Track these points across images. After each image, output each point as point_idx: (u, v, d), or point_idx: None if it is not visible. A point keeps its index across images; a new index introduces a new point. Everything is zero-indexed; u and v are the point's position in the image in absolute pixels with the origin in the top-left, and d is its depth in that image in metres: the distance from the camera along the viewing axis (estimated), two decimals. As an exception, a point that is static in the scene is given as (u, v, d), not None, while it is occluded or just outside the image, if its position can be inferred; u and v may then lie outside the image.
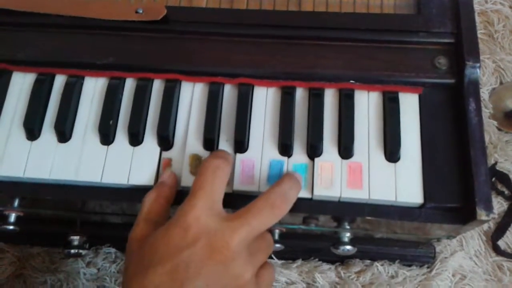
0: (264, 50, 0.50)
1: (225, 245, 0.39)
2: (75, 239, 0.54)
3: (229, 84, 0.50)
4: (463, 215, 0.45)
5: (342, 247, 0.49)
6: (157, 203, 0.44)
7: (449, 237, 0.54)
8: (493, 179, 0.64)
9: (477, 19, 0.73)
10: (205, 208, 0.40)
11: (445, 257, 0.61)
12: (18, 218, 0.51)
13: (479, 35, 0.70)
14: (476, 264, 0.62)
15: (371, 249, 0.60)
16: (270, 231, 0.48)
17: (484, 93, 0.69)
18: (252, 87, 0.50)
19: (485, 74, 0.70)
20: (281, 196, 0.42)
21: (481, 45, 0.71)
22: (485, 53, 0.71)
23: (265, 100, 0.49)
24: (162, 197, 0.44)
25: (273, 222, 0.41)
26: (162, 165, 0.47)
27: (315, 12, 0.52)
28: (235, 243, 0.39)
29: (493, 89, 0.69)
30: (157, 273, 0.38)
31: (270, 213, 0.41)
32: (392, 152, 0.46)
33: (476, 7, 0.73)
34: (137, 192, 0.46)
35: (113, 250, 0.62)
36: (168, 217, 0.44)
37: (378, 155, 0.46)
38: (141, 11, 0.50)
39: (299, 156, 0.47)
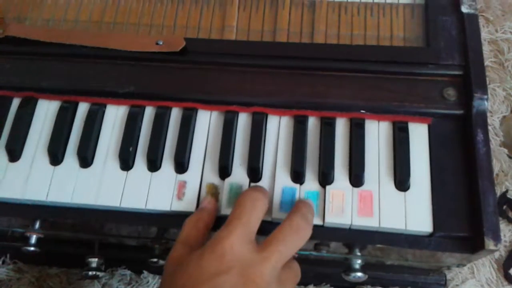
0: (277, 80, 0.51)
1: (259, 274, 0.39)
2: (93, 261, 0.55)
3: (243, 113, 0.51)
4: (471, 244, 0.45)
5: (353, 274, 0.50)
6: (195, 228, 0.45)
7: (459, 265, 0.54)
8: (504, 207, 0.64)
9: (488, 47, 0.74)
10: (240, 237, 0.41)
11: (456, 285, 0.61)
12: (39, 239, 0.53)
13: (489, 64, 0.72)
14: (487, 292, 0.62)
15: (382, 276, 0.60)
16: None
17: (495, 121, 0.69)
18: (265, 116, 0.51)
19: (496, 102, 0.71)
20: (304, 219, 0.43)
21: (491, 74, 0.72)
22: (495, 81, 0.72)
23: (278, 128, 0.50)
24: (201, 222, 0.45)
25: (300, 246, 0.42)
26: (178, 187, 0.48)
27: (327, 45, 0.53)
28: (266, 272, 0.40)
29: (504, 117, 0.70)
30: None
31: (296, 237, 0.42)
32: (402, 181, 0.47)
33: (486, 36, 0.74)
34: (154, 217, 0.48)
35: (128, 272, 0.63)
36: (205, 242, 0.45)
37: (388, 183, 0.47)
38: (161, 43, 0.52)
39: (311, 183, 0.48)
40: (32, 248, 0.53)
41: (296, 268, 0.45)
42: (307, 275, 0.61)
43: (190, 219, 0.45)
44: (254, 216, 0.43)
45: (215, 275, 0.39)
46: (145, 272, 0.63)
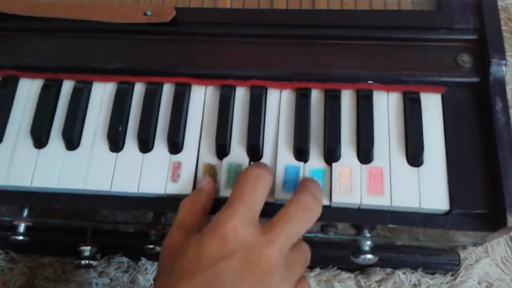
0: (277, 51, 0.48)
1: (264, 258, 0.37)
2: (86, 249, 0.52)
3: (241, 87, 0.48)
4: (492, 221, 0.43)
5: (362, 256, 0.48)
6: (193, 211, 0.42)
7: (475, 244, 0.51)
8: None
9: (498, 15, 0.70)
10: (243, 219, 0.38)
11: (470, 264, 0.59)
12: (28, 228, 0.51)
13: (500, 32, 0.69)
14: (503, 271, 0.60)
15: (392, 257, 0.58)
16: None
17: (507, 92, 0.66)
18: (265, 90, 0.48)
19: (508, 73, 0.68)
20: (312, 197, 0.40)
21: (503, 42, 0.69)
22: (508, 50, 0.68)
23: (279, 103, 0.48)
24: (199, 204, 0.43)
25: (308, 226, 0.40)
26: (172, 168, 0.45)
27: (329, 10, 0.50)
28: (273, 256, 0.37)
29: (517, 88, 0.67)
30: (189, 285, 0.36)
31: (305, 217, 0.39)
32: (414, 155, 0.44)
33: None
34: (148, 201, 0.45)
35: (125, 259, 0.61)
36: (204, 225, 0.42)
37: (399, 159, 0.45)
38: (149, 13, 0.49)
39: (315, 161, 0.45)
40: (20, 237, 0.51)
41: (306, 249, 0.42)
42: (313, 258, 0.57)
43: (185, 202, 0.43)
44: (257, 196, 0.40)
45: (217, 261, 0.37)
46: (143, 259, 0.61)
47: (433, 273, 0.59)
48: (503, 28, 0.70)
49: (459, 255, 0.58)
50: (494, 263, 0.60)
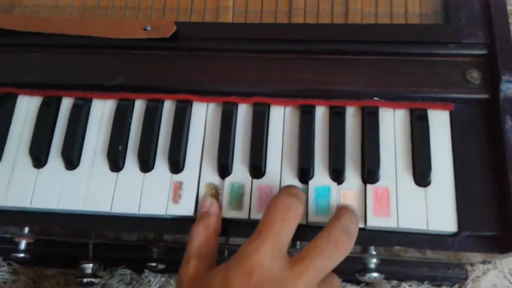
0: (280, 67, 0.47)
1: None
2: (87, 267, 0.52)
3: (243, 104, 0.47)
4: (501, 243, 0.41)
5: (368, 275, 0.47)
6: (206, 237, 0.41)
7: (483, 262, 0.50)
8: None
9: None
10: (271, 251, 0.37)
11: (478, 276, 0.58)
12: (29, 244, 0.50)
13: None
14: (511, 283, 0.59)
15: (398, 270, 0.58)
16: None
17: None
18: (268, 107, 0.47)
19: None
20: (344, 231, 0.39)
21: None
22: (517, 56, 0.67)
23: (282, 120, 0.47)
24: (210, 229, 0.42)
25: (338, 261, 0.38)
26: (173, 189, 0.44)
27: (334, 24, 0.49)
28: None
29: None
30: None
31: (335, 251, 0.38)
32: (422, 175, 0.43)
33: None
34: (149, 221, 0.44)
35: (128, 271, 0.61)
36: (218, 249, 0.42)
37: (406, 179, 0.43)
38: (149, 28, 0.48)
39: (321, 178, 0.44)
40: (22, 255, 0.51)
41: (336, 283, 0.41)
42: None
43: (197, 228, 0.42)
44: (286, 227, 0.38)
45: None
46: (146, 271, 0.60)
47: (439, 286, 0.58)
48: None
49: (466, 270, 0.58)
50: (502, 275, 0.59)
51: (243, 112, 0.47)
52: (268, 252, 0.37)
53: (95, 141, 0.47)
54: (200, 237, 0.41)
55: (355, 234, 0.40)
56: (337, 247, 0.38)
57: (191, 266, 0.40)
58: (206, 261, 0.40)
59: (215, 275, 0.37)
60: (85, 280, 0.52)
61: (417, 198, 0.43)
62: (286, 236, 0.38)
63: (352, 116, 0.46)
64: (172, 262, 0.53)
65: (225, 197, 0.44)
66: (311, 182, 0.44)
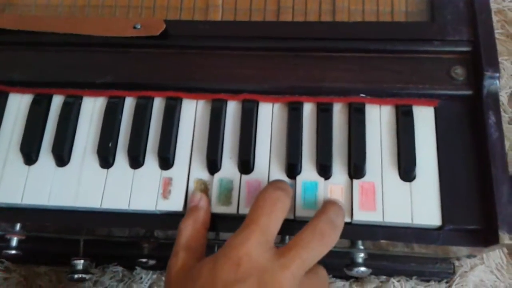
0: (268, 64, 0.48)
1: (277, 283, 0.36)
2: (78, 263, 0.52)
3: (232, 101, 0.48)
4: (484, 237, 0.42)
5: (356, 269, 0.47)
6: (195, 230, 0.42)
7: (469, 256, 0.51)
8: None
9: (494, 18, 0.69)
10: (258, 243, 0.38)
11: (465, 271, 0.59)
12: (20, 241, 0.50)
13: (496, 35, 0.67)
14: (498, 278, 0.59)
15: (387, 266, 0.58)
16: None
17: (503, 97, 0.66)
18: (256, 103, 0.47)
19: (504, 77, 0.67)
20: (329, 224, 0.39)
21: (498, 46, 0.67)
22: (503, 54, 0.68)
23: (270, 117, 0.47)
24: (199, 222, 0.42)
25: (324, 253, 0.39)
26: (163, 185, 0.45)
27: (321, 22, 0.50)
28: (287, 281, 0.37)
29: (512, 92, 0.66)
30: None
31: (320, 243, 0.38)
32: (407, 170, 0.44)
33: (493, 6, 0.69)
34: (139, 217, 0.45)
35: (120, 268, 0.61)
36: (206, 243, 0.42)
37: (391, 174, 0.44)
38: (139, 27, 0.48)
39: (308, 173, 0.45)
40: (13, 251, 0.51)
41: (322, 274, 0.41)
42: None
43: (186, 222, 0.42)
44: (273, 220, 0.39)
45: (231, 285, 0.36)
46: (138, 268, 0.60)
47: (428, 281, 0.58)
48: (499, 31, 0.69)
49: (453, 264, 0.58)
50: (489, 270, 0.59)
51: (232, 109, 0.48)
52: (255, 243, 0.37)
53: (86, 138, 0.47)
54: (189, 230, 0.41)
55: (340, 226, 0.40)
56: (322, 239, 0.38)
57: (179, 258, 0.40)
58: (195, 254, 0.40)
59: (203, 266, 0.38)
60: (76, 276, 0.52)
61: (402, 192, 0.43)
62: (273, 229, 0.39)
63: (339, 112, 0.47)
64: (163, 259, 0.52)
65: (214, 192, 0.44)
66: (298, 177, 0.44)
